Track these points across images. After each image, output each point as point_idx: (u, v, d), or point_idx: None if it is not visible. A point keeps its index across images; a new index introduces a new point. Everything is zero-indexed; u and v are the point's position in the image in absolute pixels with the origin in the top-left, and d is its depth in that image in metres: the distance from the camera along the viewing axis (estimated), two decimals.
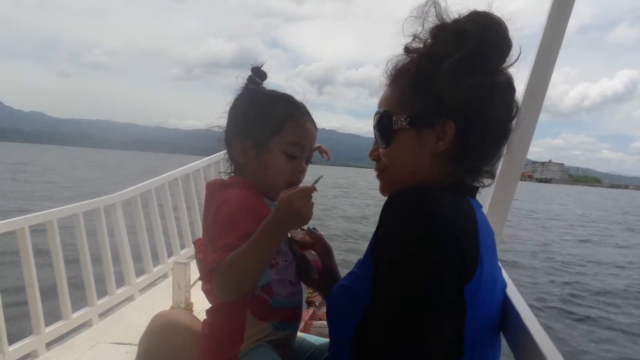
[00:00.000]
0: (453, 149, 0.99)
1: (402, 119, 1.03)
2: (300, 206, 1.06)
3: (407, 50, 1.07)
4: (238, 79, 1.30)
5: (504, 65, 1.02)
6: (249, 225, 1.09)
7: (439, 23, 1.02)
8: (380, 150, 1.10)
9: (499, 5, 1.01)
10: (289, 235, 1.31)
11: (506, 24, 1.00)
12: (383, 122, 1.07)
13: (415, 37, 1.05)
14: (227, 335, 1.20)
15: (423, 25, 1.04)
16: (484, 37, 0.97)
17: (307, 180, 1.28)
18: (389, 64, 1.09)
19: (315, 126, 1.32)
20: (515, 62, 1.02)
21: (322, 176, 1.17)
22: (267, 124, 1.24)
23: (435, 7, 1.03)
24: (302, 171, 1.30)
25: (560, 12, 1.63)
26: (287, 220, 1.07)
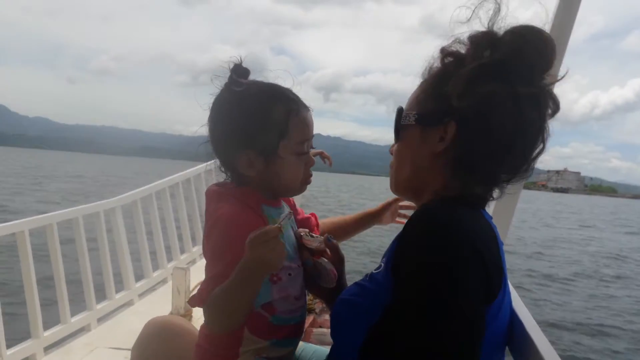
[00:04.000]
0: (454, 153, 0.98)
1: (411, 115, 1.05)
2: (264, 253, 0.96)
3: (442, 51, 1.05)
4: (215, 82, 1.19)
5: (539, 81, 0.97)
6: (240, 249, 1.00)
7: (484, 30, 1.00)
8: (394, 147, 1.13)
9: (505, 14, 0.98)
10: (300, 241, 1.26)
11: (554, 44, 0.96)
12: (396, 118, 1.09)
13: (455, 40, 1.04)
14: (222, 349, 1.15)
15: (468, 20, 1.01)
16: (516, 49, 0.94)
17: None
18: (427, 64, 1.08)
19: (310, 111, 1.22)
20: (556, 82, 0.99)
21: (290, 212, 1.09)
22: (271, 129, 1.13)
23: (494, 13, 1.00)
24: (312, 164, 1.23)
25: (563, 22, 1.63)
26: (255, 269, 0.98)
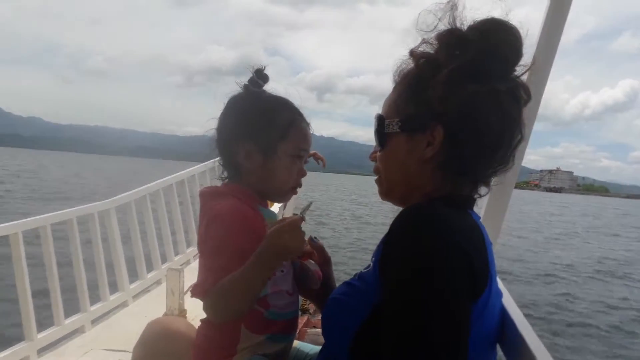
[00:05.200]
0: (443, 156, 0.98)
1: (394, 123, 1.03)
2: (287, 240, 1.05)
3: (411, 53, 1.05)
4: (239, 82, 1.27)
5: (512, 73, 0.99)
6: (241, 242, 1.07)
7: (449, 28, 1.00)
8: (377, 153, 1.11)
9: (502, 13, 0.98)
10: None
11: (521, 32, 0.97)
12: (378, 126, 1.07)
13: (423, 41, 1.03)
14: (220, 349, 1.17)
15: (435, 27, 1.01)
16: (489, 45, 0.95)
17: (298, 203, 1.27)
18: (396, 66, 1.08)
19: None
20: (525, 72, 1.00)
21: (311, 202, 1.17)
22: (274, 128, 1.22)
23: (452, 10, 1.00)
24: (305, 174, 1.30)
25: (554, 22, 1.64)
26: (276, 255, 1.06)
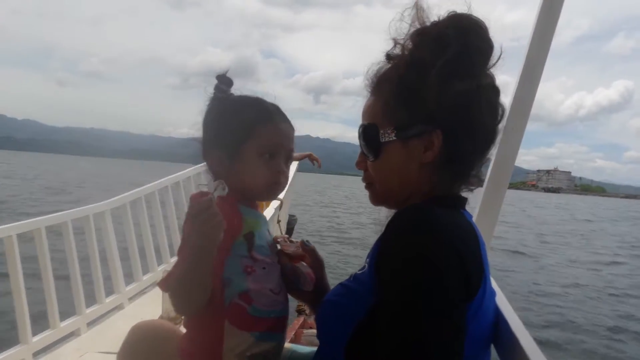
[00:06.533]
0: (441, 157, 0.98)
1: (388, 131, 1.01)
2: (200, 225, 1.01)
3: (389, 57, 1.05)
4: (207, 89, 1.25)
5: (487, 67, 1.01)
6: None
7: (419, 27, 1.01)
8: (368, 162, 1.09)
9: (485, 11, 0.99)
10: (278, 247, 1.28)
11: (486, 24, 0.99)
12: (369, 135, 1.05)
13: (395, 42, 1.03)
14: (204, 351, 1.16)
15: (409, 29, 1.02)
16: (466, 41, 0.95)
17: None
18: (369, 71, 1.08)
19: (291, 126, 1.26)
20: (496, 62, 1.01)
21: (222, 181, 1.08)
22: (237, 131, 1.19)
23: (417, 10, 1.01)
24: (280, 171, 1.22)
25: (546, 23, 1.65)
26: (196, 242, 1.02)
